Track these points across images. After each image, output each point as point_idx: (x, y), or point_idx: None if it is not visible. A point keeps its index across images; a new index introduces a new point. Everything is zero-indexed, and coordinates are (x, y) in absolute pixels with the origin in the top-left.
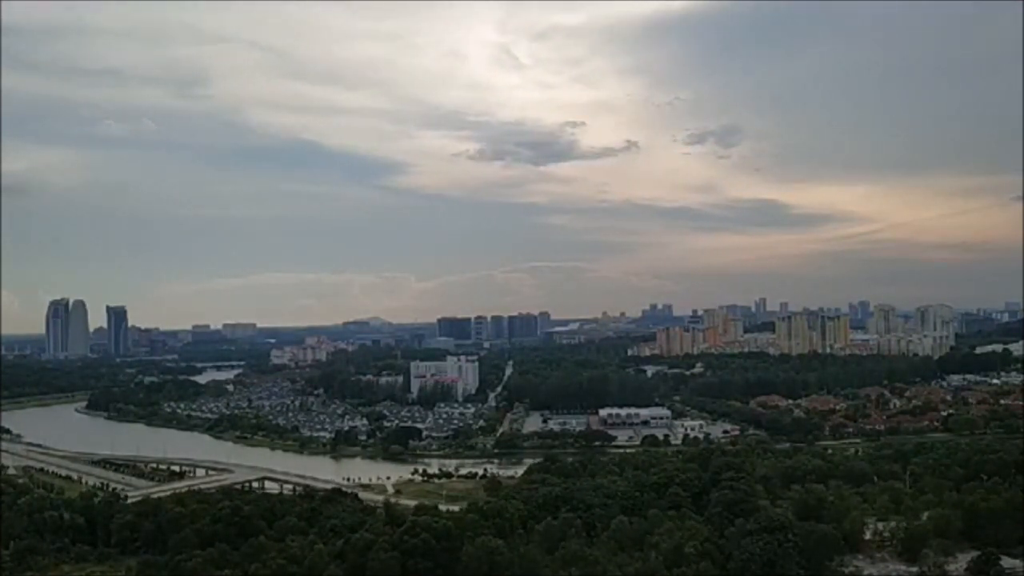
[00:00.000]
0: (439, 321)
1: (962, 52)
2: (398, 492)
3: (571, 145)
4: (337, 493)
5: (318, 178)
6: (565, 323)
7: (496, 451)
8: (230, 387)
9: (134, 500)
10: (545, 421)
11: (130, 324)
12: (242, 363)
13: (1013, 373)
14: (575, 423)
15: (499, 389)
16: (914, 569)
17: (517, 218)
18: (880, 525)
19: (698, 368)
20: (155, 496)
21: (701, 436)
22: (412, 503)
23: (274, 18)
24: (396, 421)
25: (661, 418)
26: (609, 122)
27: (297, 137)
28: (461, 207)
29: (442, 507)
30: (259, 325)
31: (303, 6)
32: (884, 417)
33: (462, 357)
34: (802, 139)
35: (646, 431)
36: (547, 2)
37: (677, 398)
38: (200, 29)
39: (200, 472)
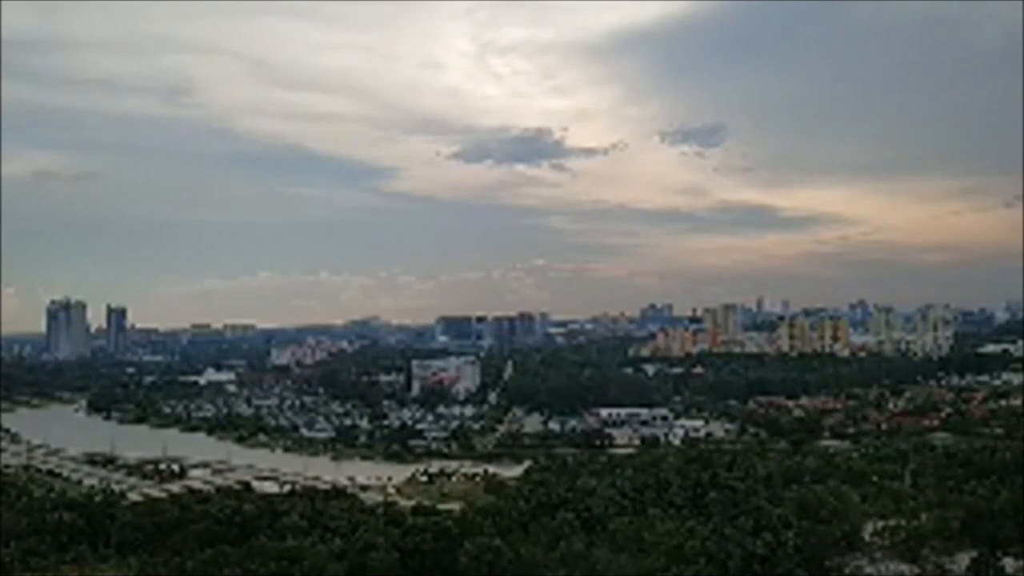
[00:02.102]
0: (439, 321)
1: (948, 54)
2: (398, 492)
3: (558, 150)
4: (337, 493)
5: (309, 182)
6: (565, 323)
7: (496, 451)
8: (230, 387)
9: (134, 500)
10: (545, 421)
11: (130, 324)
12: (242, 363)
13: (1013, 373)
14: (575, 423)
15: (499, 389)
16: (914, 569)
17: (511, 220)
18: (880, 525)
19: (698, 368)
20: (155, 496)
21: (701, 436)
22: (412, 503)
23: (252, 30)
24: (396, 421)
25: (661, 418)
26: (590, 129)
27: (285, 143)
28: (454, 210)
29: (442, 507)
30: (259, 325)
31: (279, 19)
32: (884, 417)
33: (462, 357)
34: (781, 143)
35: (646, 431)
36: (515, 17)
37: (677, 398)
38: (182, 40)
39: (200, 472)
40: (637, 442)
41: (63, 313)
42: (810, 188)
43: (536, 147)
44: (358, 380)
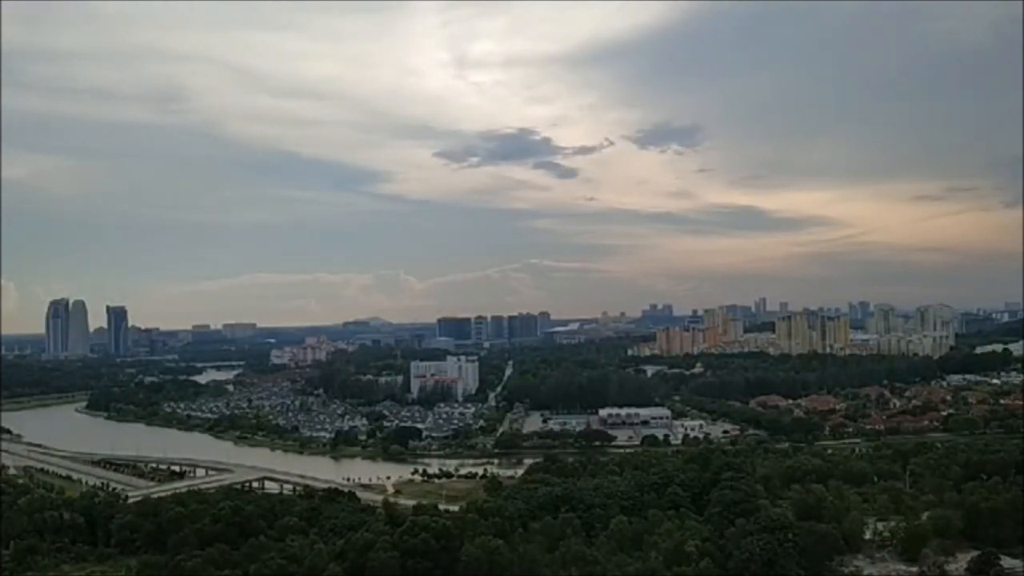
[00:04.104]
0: (439, 321)
1: (934, 56)
2: (398, 492)
3: (545, 148)
4: (337, 493)
5: (303, 185)
6: (565, 323)
7: (496, 451)
8: (230, 387)
9: (134, 500)
10: (545, 421)
11: (130, 324)
12: (242, 363)
13: (1013, 373)
14: (575, 423)
15: (499, 389)
16: (914, 569)
17: (505, 223)
18: (880, 525)
19: (698, 368)
20: (155, 496)
21: (701, 436)
22: (412, 503)
23: (237, 40)
24: (396, 421)
25: (661, 418)
26: (572, 135)
27: (276, 148)
28: (449, 212)
29: (442, 507)
30: (259, 325)
31: (261, 31)
32: (884, 417)
33: (462, 357)
34: (764, 147)
35: (646, 431)
36: (491, 28)
37: (677, 398)
38: (169, 50)
39: (200, 472)
40: (637, 442)
41: (63, 313)
42: (795, 191)
43: (522, 145)
44: (358, 380)
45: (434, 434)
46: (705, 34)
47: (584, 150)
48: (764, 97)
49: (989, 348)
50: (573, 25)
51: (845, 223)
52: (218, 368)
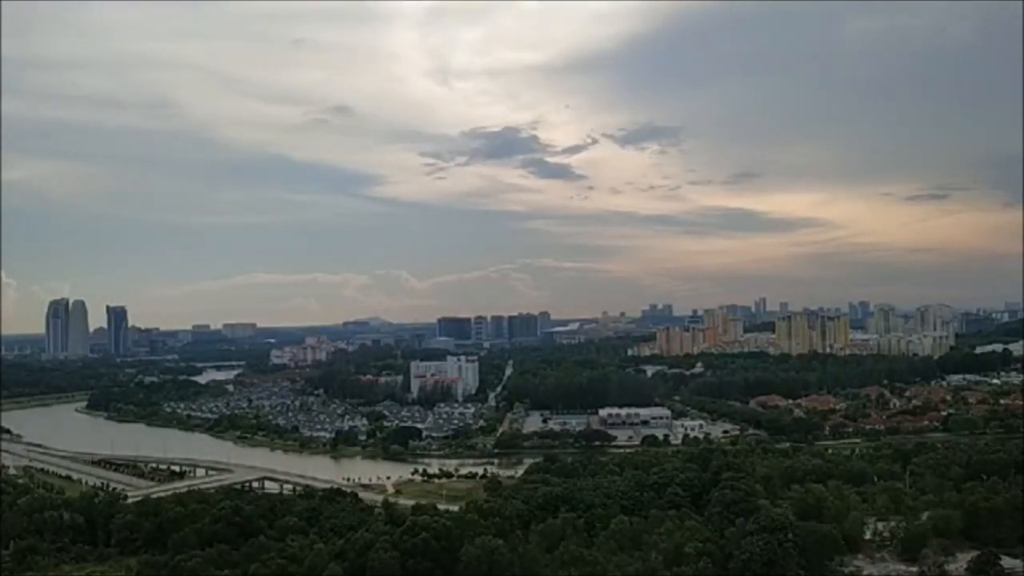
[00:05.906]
0: (439, 321)
1: (919, 57)
2: (398, 492)
3: (533, 149)
4: (337, 493)
5: (298, 189)
6: (565, 323)
7: (496, 451)
8: (230, 387)
9: (134, 500)
10: (545, 421)
11: (130, 324)
12: (242, 363)
13: (1013, 373)
14: (575, 423)
15: (499, 389)
16: (914, 569)
17: (501, 224)
18: (880, 525)
19: (698, 368)
20: (155, 496)
21: (701, 436)
22: (412, 503)
23: (225, 49)
24: (396, 421)
25: (661, 418)
26: (559, 136)
27: (267, 152)
28: (444, 215)
29: (442, 507)
30: (259, 325)
31: (247, 40)
32: (884, 417)
33: (462, 357)
34: (749, 150)
35: (646, 431)
36: (471, 38)
37: (677, 398)
38: (159, 59)
39: (200, 472)
40: (637, 442)
41: (63, 313)
42: (786, 192)
43: (508, 141)
44: (358, 380)
45: (434, 434)
46: (688, 39)
47: (571, 149)
48: (750, 100)
49: (989, 348)
50: (552, 34)
51: (838, 224)
52: (218, 368)
